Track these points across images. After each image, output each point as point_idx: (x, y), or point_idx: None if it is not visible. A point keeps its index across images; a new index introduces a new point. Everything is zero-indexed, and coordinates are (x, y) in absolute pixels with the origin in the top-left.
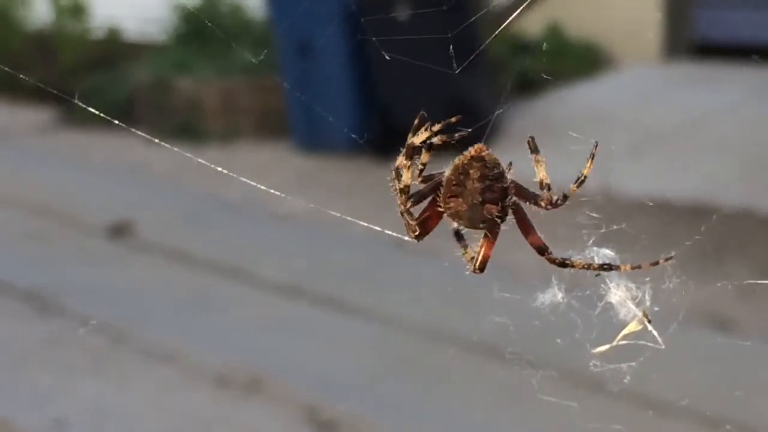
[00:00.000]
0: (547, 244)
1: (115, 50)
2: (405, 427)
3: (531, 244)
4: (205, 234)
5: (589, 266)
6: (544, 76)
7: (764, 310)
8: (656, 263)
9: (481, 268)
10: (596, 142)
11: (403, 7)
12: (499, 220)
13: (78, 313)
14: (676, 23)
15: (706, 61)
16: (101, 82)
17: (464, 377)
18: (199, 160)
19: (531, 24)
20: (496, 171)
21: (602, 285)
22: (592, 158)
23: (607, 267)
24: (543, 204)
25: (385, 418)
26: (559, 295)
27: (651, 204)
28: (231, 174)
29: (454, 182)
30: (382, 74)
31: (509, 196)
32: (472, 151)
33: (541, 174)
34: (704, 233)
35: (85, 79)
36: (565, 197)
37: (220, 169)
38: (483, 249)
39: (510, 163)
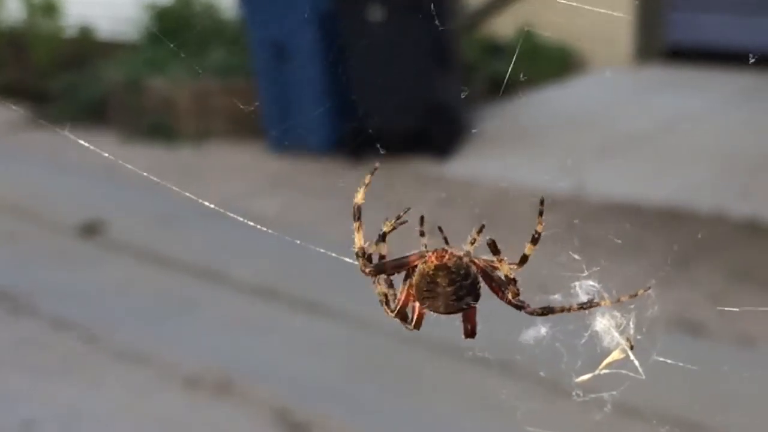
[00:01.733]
0: (522, 300)
1: (87, 49)
2: (376, 428)
3: (509, 304)
4: (178, 234)
5: (569, 309)
6: (522, 77)
7: (736, 315)
8: (635, 295)
9: (474, 334)
10: (543, 198)
11: (378, 9)
12: (474, 304)
13: (50, 314)
14: (648, 27)
15: (677, 65)
16: (74, 82)
17: (435, 380)
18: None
19: (503, 27)
20: (463, 271)
21: (587, 314)
22: (541, 214)
23: (587, 305)
24: (510, 296)
25: (356, 420)
26: (543, 330)
27: (623, 208)
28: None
29: (424, 289)
30: (356, 76)
31: (479, 283)
32: (434, 258)
33: (505, 270)
34: (677, 238)
35: (58, 78)
36: (524, 258)
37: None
38: (468, 321)
39: (481, 228)
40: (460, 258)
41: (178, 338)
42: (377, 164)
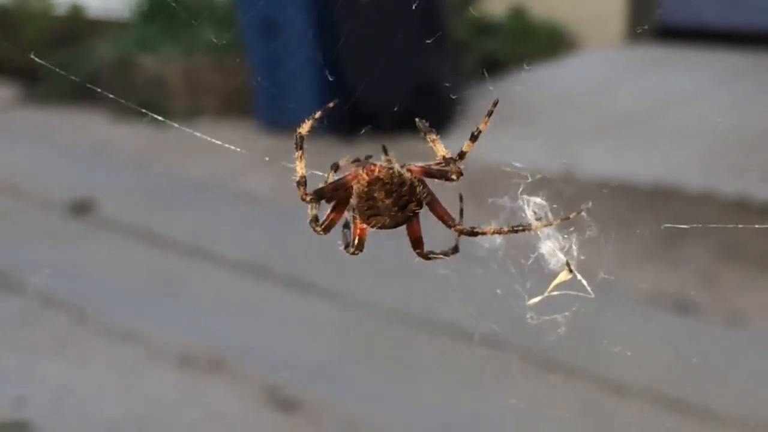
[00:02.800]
0: (450, 215)
1: (78, 27)
2: (366, 407)
3: (439, 219)
4: (168, 213)
5: (500, 231)
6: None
7: (725, 293)
8: (567, 218)
9: (421, 244)
10: (497, 99)
11: None
12: (419, 210)
13: (39, 292)
14: (640, 6)
15: (669, 44)
16: (64, 59)
17: (426, 358)
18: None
19: (495, 5)
20: (398, 180)
21: (533, 236)
22: (489, 115)
23: (519, 228)
24: (454, 177)
25: (346, 399)
26: (498, 240)
27: (613, 186)
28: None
29: (365, 208)
30: (347, 54)
31: (422, 188)
32: (365, 175)
33: (441, 151)
34: (667, 217)
35: (48, 56)
36: (461, 154)
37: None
38: (412, 232)
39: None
40: (390, 168)
41: (169, 316)
42: (332, 103)
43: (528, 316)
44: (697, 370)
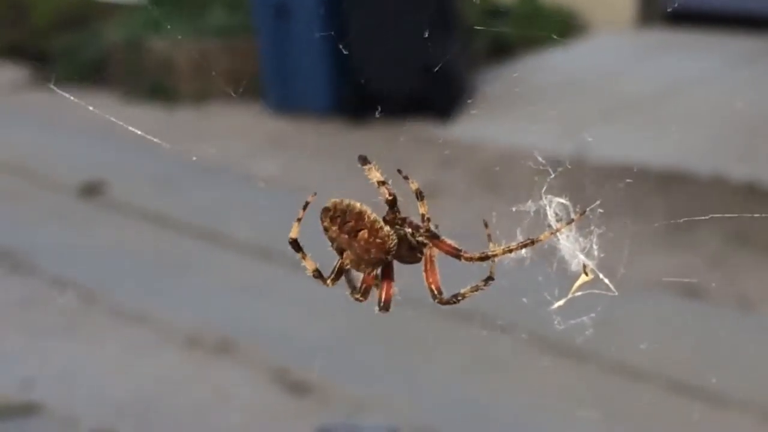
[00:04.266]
0: (455, 246)
1: (88, 10)
2: (375, 389)
3: (446, 253)
4: (178, 195)
5: (510, 249)
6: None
7: (736, 277)
8: (571, 221)
9: (387, 308)
10: (485, 221)
11: None
12: (388, 254)
13: (49, 273)
14: None
15: (679, 28)
16: (74, 42)
17: (435, 340)
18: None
19: None
20: (341, 207)
21: (552, 240)
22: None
23: (528, 243)
24: (421, 239)
25: (355, 381)
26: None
27: (623, 171)
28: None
29: (332, 242)
30: (357, 37)
31: (380, 228)
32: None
33: (422, 210)
34: (676, 201)
35: (58, 39)
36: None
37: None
38: (384, 289)
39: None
40: (341, 201)
41: (178, 298)
42: (311, 197)
43: (555, 321)
44: (706, 354)
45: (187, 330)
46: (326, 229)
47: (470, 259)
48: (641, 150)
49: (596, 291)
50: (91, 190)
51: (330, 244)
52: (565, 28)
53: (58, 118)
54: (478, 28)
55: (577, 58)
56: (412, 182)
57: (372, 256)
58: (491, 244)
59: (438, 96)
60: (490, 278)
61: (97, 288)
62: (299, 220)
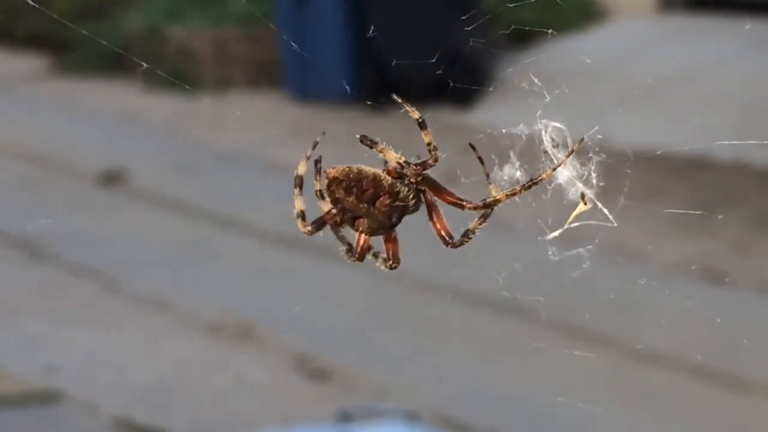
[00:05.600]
0: (456, 195)
1: None
2: (396, 376)
3: (448, 204)
4: (198, 183)
5: (515, 192)
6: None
7: (757, 262)
8: (572, 151)
9: (398, 261)
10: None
11: None
12: (405, 207)
13: (70, 261)
14: None
15: (699, 13)
16: (94, 31)
17: (454, 326)
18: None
19: None
20: (354, 175)
21: (550, 164)
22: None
23: (531, 183)
24: (413, 180)
25: (376, 368)
26: (517, 174)
27: (645, 157)
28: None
29: (342, 213)
30: (376, 24)
31: (399, 185)
32: (326, 180)
33: (391, 157)
34: (697, 186)
35: (79, 28)
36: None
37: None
38: (391, 245)
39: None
40: (345, 167)
41: (199, 285)
42: (320, 137)
43: (549, 252)
44: (727, 338)
45: (208, 317)
46: (338, 200)
47: (474, 207)
48: (662, 135)
49: (593, 222)
50: (112, 178)
51: (336, 214)
52: (586, 14)
53: (79, 106)
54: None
55: (597, 44)
56: (413, 111)
57: (393, 219)
58: (492, 187)
59: (458, 82)
60: (493, 203)
61: (117, 275)
62: (308, 157)
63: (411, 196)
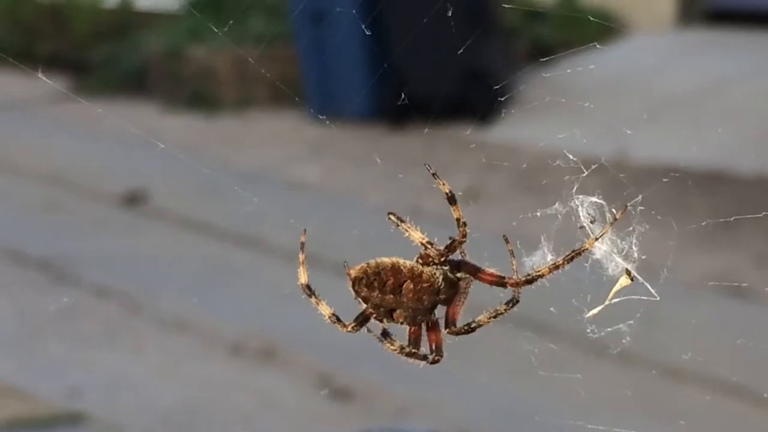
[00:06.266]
0: (497, 273)
1: (127, 19)
2: (419, 394)
3: (490, 284)
4: (220, 203)
5: (557, 266)
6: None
7: None
8: (615, 220)
9: (441, 353)
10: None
11: None
12: (433, 288)
13: (93, 283)
14: None
15: (719, 27)
16: (114, 52)
17: (482, 346)
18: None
19: None
20: (384, 269)
21: (586, 240)
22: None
23: (576, 254)
24: (459, 239)
25: (400, 386)
26: (549, 257)
27: (666, 171)
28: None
29: (377, 308)
30: (396, 42)
31: (422, 268)
32: (349, 282)
33: (415, 237)
34: (719, 200)
35: (99, 49)
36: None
37: None
38: (433, 336)
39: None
40: (363, 264)
41: (221, 305)
42: (303, 236)
43: (588, 330)
44: (751, 354)
45: (231, 337)
46: (366, 299)
47: (516, 284)
48: (683, 150)
49: (635, 297)
50: (134, 199)
51: (373, 311)
52: (605, 29)
53: (99, 127)
54: (518, 29)
55: (617, 59)
56: (443, 184)
57: (426, 303)
58: (527, 265)
59: (478, 99)
60: (514, 301)
61: (140, 296)
62: (302, 263)
63: (438, 276)
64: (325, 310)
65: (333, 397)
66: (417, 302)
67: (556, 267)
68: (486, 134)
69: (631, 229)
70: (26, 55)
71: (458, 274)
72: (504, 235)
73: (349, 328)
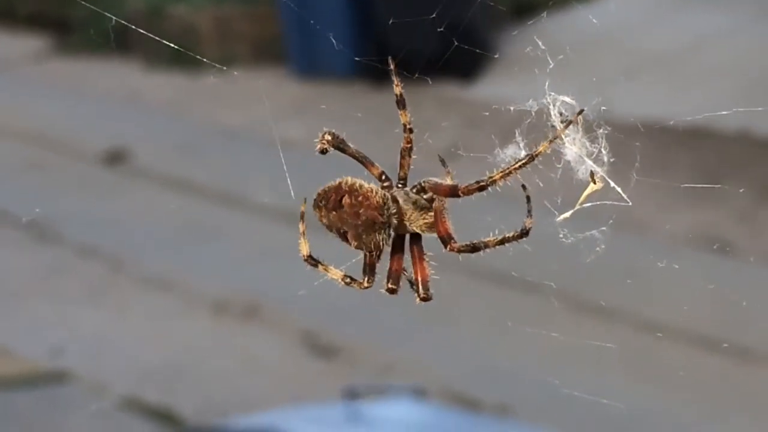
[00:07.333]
0: (455, 183)
1: None
2: (403, 352)
3: (445, 194)
4: (202, 161)
5: (508, 172)
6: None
7: (761, 233)
8: (569, 123)
9: (428, 291)
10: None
11: None
12: (381, 210)
13: (75, 242)
14: None
15: None
16: (95, 10)
17: (463, 304)
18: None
19: None
20: (330, 189)
21: (558, 144)
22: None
23: (528, 159)
24: (405, 144)
25: (383, 344)
26: (522, 153)
27: (649, 127)
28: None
29: (331, 230)
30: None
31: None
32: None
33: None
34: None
35: (79, 7)
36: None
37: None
38: (419, 270)
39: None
40: (324, 187)
41: (204, 264)
42: (303, 206)
43: (561, 234)
44: (734, 309)
45: (214, 296)
46: (321, 220)
47: (467, 191)
48: (667, 105)
49: (608, 201)
50: (115, 158)
51: (334, 237)
52: None
53: (81, 86)
54: None
55: (600, 16)
56: (397, 84)
57: (366, 218)
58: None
59: (461, 57)
60: (524, 232)
61: (123, 255)
62: (303, 234)
63: (377, 192)
64: (335, 274)
65: (316, 355)
66: (356, 216)
67: (508, 172)
68: (469, 91)
69: (600, 130)
70: (7, 14)
71: (422, 194)
72: (523, 184)
73: (366, 284)
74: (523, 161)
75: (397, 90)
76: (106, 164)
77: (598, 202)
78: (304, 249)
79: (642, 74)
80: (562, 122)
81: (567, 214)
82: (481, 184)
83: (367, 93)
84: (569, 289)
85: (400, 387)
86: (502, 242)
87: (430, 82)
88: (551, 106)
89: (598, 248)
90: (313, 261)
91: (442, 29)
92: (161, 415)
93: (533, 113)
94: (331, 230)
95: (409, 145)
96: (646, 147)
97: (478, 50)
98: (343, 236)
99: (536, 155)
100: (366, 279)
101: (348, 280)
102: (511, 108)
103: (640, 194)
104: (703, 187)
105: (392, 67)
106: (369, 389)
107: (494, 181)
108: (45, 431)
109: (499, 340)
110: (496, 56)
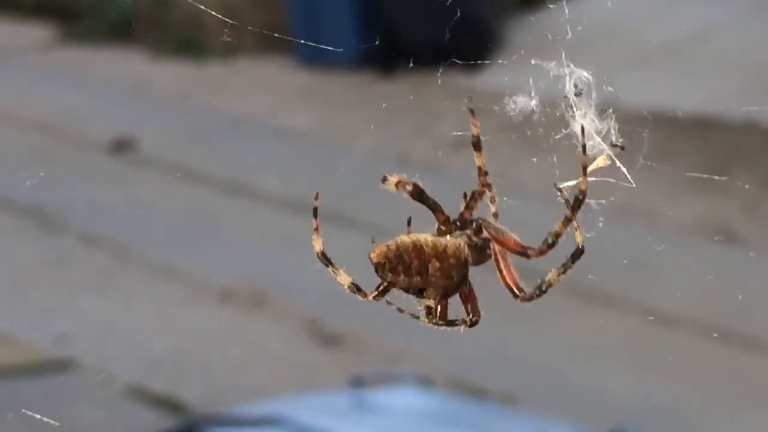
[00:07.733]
0: (525, 245)
1: None
2: (409, 341)
3: (512, 252)
4: (208, 150)
5: (569, 221)
6: None
7: None
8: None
9: (478, 314)
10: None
11: None
12: (468, 266)
13: (82, 230)
14: None
15: None
16: None
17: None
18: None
19: None
20: (407, 252)
21: (569, 110)
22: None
23: (576, 205)
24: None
25: (389, 333)
26: (533, 103)
27: (655, 117)
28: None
29: (407, 291)
30: None
31: (444, 242)
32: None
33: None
34: (708, 146)
35: None
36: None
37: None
38: (468, 301)
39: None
40: (383, 246)
41: (210, 252)
42: (316, 201)
43: (559, 199)
44: (740, 298)
45: (220, 285)
46: (393, 284)
47: (541, 253)
48: (674, 95)
49: (612, 180)
50: (121, 147)
51: (403, 292)
52: None
53: (87, 75)
54: None
55: (607, 5)
56: (474, 125)
57: (456, 279)
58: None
59: (467, 45)
60: (579, 252)
61: (129, 244)
62: (317, 229)
63: (463, 247)
64: (344, 279)
65: (322, 344)
66: (447, 279)
67: (569, 221)
68: (475, 80)
69: (610, 110)
70: (13, 2)
71: (482, 236)
72: (555, 183)
73: (371, 298)
74: (575, 205)
75: (475, 131)
76: (112, 153)
77: (601, 178)
78: (317, 245)
79: (649, 64)
80: (577, 95)
81: (570, 183)
82: (548, 243)
83: (374, 82)
84: (574, 277)
85: (406, 375)
86: (564, 272)
87: (438, 72)
88: (568, 78)
89: (599, 223)
90: (325, 259)
91: (449, 18)
92: (167, 403)
93: (551, 76)
94: (404, 290)
95: (482, 189)
96: (652, 136)
97: (485, 39)
98: (419, 293)
99: (583, 192)
100: (374, 294)
101: (354, 288)
102: (532, 62)
103: (646, 181)
104: (709, 176)
105: (471, 107)
106: (375, 378)
107: (559, 235)
108: (51, 419)
109: (504, 328)
110: (502, 45)
